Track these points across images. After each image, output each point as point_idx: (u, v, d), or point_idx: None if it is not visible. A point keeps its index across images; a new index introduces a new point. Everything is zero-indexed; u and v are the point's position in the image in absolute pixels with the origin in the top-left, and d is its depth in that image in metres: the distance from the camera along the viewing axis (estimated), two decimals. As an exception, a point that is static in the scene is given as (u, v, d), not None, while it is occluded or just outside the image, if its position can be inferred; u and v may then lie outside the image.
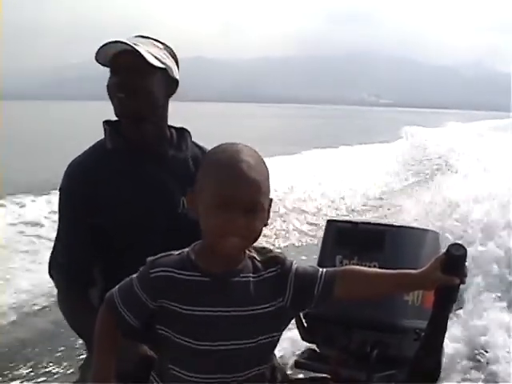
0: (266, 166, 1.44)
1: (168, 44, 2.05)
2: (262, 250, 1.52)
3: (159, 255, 1.48)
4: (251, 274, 1.46)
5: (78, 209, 1.94)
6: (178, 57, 2.08)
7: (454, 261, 1.42)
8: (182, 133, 2.10)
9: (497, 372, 4.04)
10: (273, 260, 1.50)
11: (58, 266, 2.01)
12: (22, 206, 9.11)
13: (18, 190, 9.91)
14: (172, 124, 2.09)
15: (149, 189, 1.96)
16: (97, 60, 1.93)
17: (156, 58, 1.94)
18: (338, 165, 16.50)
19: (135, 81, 1.91)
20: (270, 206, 1.46)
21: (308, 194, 12.10)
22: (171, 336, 1.45)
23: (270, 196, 1.46)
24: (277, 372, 1.90)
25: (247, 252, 1.49)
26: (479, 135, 25.91)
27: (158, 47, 1.99)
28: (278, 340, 1.54)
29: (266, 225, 1.44)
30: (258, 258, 1.49)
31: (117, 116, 1.99)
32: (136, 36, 2.01)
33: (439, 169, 16.23)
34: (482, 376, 4.06)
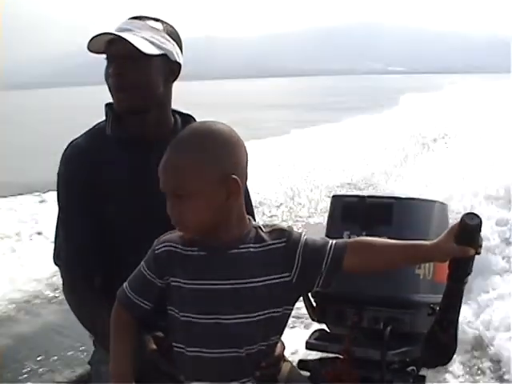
0: (220, 149, 1.38)
1: (172, 24, 1.92)
2: (270, 224, 1.49)
3: (165, 234, 1.48)
4: (252, 245, 1.42)
5: (79, 194, 1.85)
6: (187, 37, 1.97)
7: (469, 231, 1.36)
8: (187, 119, 1.98)
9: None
10: (279, 231, 1.45)
11: (63, 261, 1.91)
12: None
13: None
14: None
15: (151, 179, 1.80)
16: (89, 50, 1.83)
17: (153, 43, 1.83)
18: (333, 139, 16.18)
19: (130, 74, 1.81)
20: (232, 185, 1.38)
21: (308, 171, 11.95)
22: (174, 313, 1.45)
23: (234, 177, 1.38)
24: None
25: (252, 221, 1.46)
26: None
27: (155, 29, 1.86)
28: (285, 321, 1.49)
29: (230, 199, 1.39)
30: (264, 229, 1.45)
31: (116, 110, 1.89)
32: (132, 18, 1.89)
33: (436, 139, 15.75)
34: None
